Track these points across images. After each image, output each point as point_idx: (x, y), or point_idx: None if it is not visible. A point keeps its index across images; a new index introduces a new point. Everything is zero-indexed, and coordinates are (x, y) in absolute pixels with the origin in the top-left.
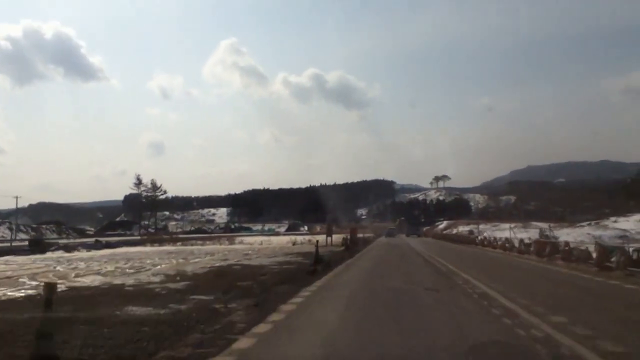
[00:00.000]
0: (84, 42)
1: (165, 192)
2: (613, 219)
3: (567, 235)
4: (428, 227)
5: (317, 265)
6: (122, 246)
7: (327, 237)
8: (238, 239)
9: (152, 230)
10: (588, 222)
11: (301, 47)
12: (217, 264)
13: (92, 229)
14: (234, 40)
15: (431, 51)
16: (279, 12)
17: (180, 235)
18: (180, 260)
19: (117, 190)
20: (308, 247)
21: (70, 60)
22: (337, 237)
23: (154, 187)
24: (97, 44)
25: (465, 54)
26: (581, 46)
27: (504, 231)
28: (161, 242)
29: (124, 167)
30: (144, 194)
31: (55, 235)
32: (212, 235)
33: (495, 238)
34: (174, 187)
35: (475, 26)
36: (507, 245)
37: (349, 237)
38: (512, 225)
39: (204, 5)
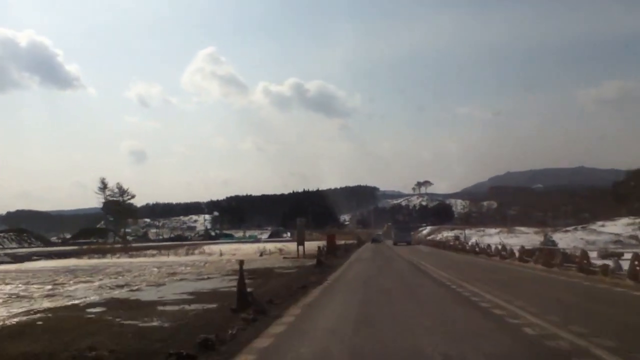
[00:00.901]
0: (60, 51)
1: (133, 196)
2: (600, 223)
3: (560, 240)
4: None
5: (243, 310)
6: (40, 259)
7: (298, 245)
8: (204, 248)
9: (131, 238)
10: (574, 227)
11: (281, 57)
12: (59, 306)
13: (67, 236)
14: (212, 49)
15: (409, 61)
16: (258, 22)
17: (137, 245)
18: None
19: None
20: (275, 259)
21: (46, 69)
22: (315, 245)
23: (121, 191)
24: (73, 52)
25: (444, 64)
26: (558, 57)
27: (492, 237)
28: (104, 253)
29: (105, 174)
30: (109, 199)
31: (14, 245)
32: (184, 243)
33: (489, 245)
34: (157, 194)
35: (453, 36)
36: (503, 252)
37: (324, 246)
38: (497, 230)
39: (182, 13)
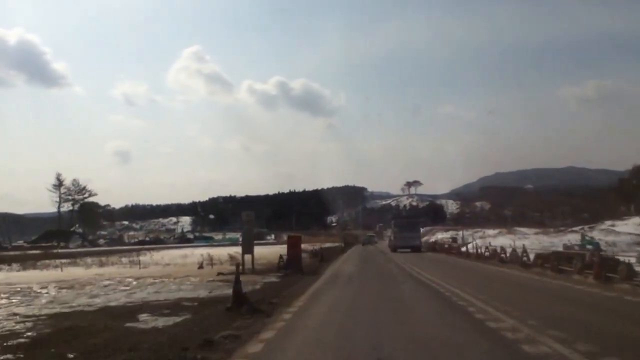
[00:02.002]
0: (49, 49)
1: (92, 194)
2: (609, 222)
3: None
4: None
5: None
6: None
7: (243, 255)
8: (151, 254)
9: (103, 242)
10: (580, 227)
11: (265, 55)
12: None
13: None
14: (198, 47)
15: (395, 60)
16: (242, 20)
17: (78, 250)
18: None
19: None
20: (206, 274)
21: (33, 67)
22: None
23: (78, 188)
24: (61, 50)
25: (429, 63)
26: (544, 56)
27: (496, 238)
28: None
29: (89, 175)
30: (65, 197)
31: None
32: (145, 247)
33: (502, 248)
34: (140, 195)
35: (439, 35)
36: (525, 259)
37: (283, 259)
38: (497, 231)
39: (168, 11)
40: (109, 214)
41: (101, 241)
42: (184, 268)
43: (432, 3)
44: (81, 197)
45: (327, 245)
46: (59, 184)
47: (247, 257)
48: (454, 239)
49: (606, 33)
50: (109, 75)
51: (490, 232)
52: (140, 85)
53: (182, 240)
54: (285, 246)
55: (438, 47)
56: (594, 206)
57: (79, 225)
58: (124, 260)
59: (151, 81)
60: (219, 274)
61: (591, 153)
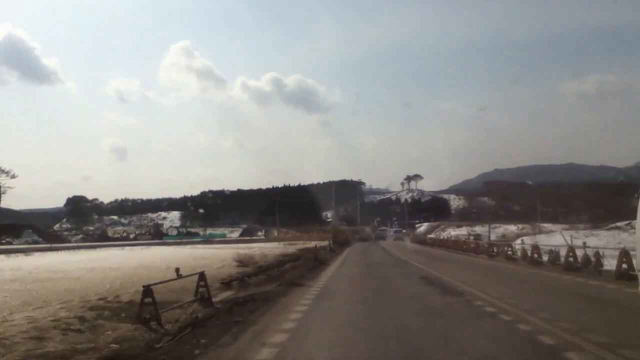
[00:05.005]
0: (38, 44)
1: (14, 175)
2: None
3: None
4: (404, 230)
5: None
6: None
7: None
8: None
9: (79, 237)
10: (627, 222)
11: (258, 51)
12: None
13: None
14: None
15: (391, 55)
16: (235, 15)
17: (30, 246)
18: None
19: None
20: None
21: (25, 63)
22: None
23: None
24: (50, 45)
25: (426, 58)
26: (543, 51)
27: (550, 237)
28: None
29: (84, 172)
30: None
31: None
32: (99, 244)
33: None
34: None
35: (434, 30)
36: None
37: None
38: (520, 227)
39: (160, 6)
40: (98, 209)
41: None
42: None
43: None
44: None
45: (312, 245)
46: None
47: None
48: (477, 236)
49: (606, 28)
50: (100, 72)
51: (512, 227)
52: (132, 82)
53: (156, 236)
54: (272, 244)
55: (435, 43)
56: (605, 202)
57: (65, 220)
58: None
59: (144, 78)
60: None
61: (591, 149)
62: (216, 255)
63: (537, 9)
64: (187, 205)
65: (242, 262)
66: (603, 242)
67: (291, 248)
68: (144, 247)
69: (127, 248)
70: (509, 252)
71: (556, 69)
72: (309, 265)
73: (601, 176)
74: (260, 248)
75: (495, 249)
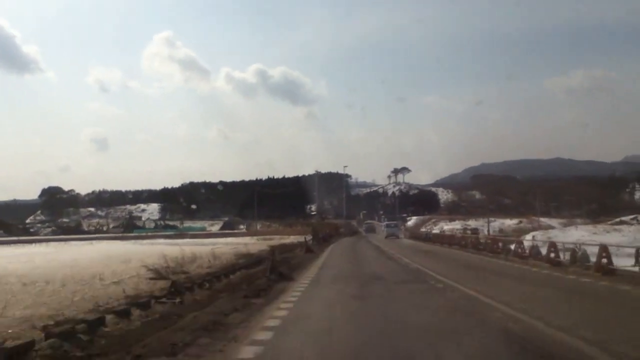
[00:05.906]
0: (18, 32)
1: None
2: None
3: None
4: (394, 223)
5: None
6: None
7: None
8: None
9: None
10: (632, 216)
11: (243, 42)
12: None
13: None
14: (171, 33)
15: (377, 48)
16: (219, 7)
17: None
18: None
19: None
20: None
21: (4, 52)
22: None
23: None
24: (31, 34)
25: (413, 52)
26: (531, 46)
27: (571, 231)
28: None
29: (64, 162)
30: None
31: None
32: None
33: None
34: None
35: (424, 24)
36: None
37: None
38: (516, 221)
39: None
40: (74, 200)
41: (48, 230)
42: None
43: None
44: None
45: (289, 240)
46: None
47: None
48: (474, 230)
49: (594, 23)
50: (82, 61)
51: (508, 222)
52: (114, 72)
53: (127, 229)
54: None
55: (423, 36)
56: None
57: (40, 212)
58: None
59: (126, 67)
60: None
61: (578, 144)
62: (152, 255)
63: (524, 4)
64: (167, 197)
65: (159, 272)
66: (629, 239)
67: (259, 246)
68: (94, 241)
69: (74, 243)
70: (519, 250)
71: (544, 65)
72: (260, 282)
73: (589, 171)
74: (226, 244)
75: (500, 245)
